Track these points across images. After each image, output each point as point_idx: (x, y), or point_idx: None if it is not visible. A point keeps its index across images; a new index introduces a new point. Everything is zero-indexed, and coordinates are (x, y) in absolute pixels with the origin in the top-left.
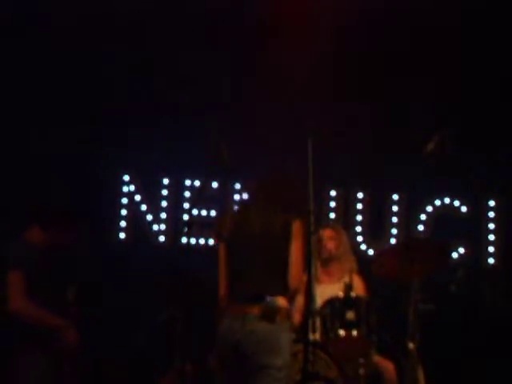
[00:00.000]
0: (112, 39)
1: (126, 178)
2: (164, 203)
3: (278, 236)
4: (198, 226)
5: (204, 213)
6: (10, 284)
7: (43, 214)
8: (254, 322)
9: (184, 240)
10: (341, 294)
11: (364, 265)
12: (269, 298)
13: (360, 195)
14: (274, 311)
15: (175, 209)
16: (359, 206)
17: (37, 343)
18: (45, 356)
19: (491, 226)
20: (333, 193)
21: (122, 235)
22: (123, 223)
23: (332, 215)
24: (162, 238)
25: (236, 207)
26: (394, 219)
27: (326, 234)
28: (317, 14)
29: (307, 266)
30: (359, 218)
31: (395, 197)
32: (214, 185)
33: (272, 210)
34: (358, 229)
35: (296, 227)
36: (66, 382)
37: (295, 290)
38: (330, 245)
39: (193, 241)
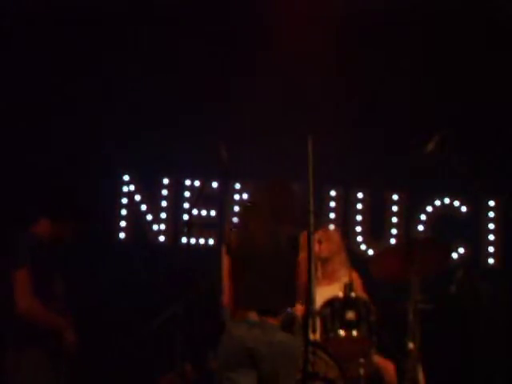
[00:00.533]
0: (112, 39)
1: (126, 177)
2: (164, 203)
3: (284, 249)
4: (198, 226)
5: (204, 213)
6: (18, 282)
7: (55, 206)
8: (274, 332)
9: (184, 240)
10: (341, 294)
11: (364, 265)
12: (289, 310)
13: (360, 195)
14: (293, 322)
15: (175, 209)
16: (359, 205)
17: (36, 342)
18: (44, 356)
19: (491, 226)
20: (333, 193)
21: (122, 235)
22: (123, 223)
23: (332, 215)
24: (161, 238)
25: (240, 219)
26: (394, 219)
27: (317, 236)
28: (316, 15)
29: (307, 266)
30: (359, 217)
31: (395, 197)
32: (214, 185)
33: (278, 224)
34: (358, 229)
35: (304, 239)
36: (64, 381)
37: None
38: (318, 247)
39: (193, 241)
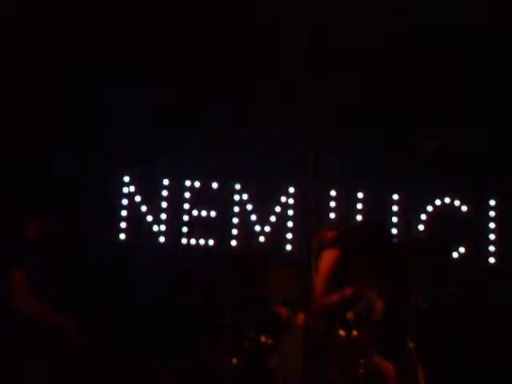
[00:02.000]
0: (113, 41)
1: (126, 178)
2: (164, 204)
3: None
4: (198, 227)
5: (204, 213)
6: (15, 281)
7: (36, 207)
8: None
9: (184, 240)
10: None
11: None
12: None
13: (360, 195)
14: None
15: (175, 210)
16: (359, 205)
17: (38, 342)
18: (45, 355)
19: (491, 225)
20: (333, 193)
21: (122, 236)
22: (123, 224)
23: (332, 215)
24: (162, 239)
25: None
26: (394, 219)
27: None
28: (315, 17)
29: (307, 266)
30: (359, 218)
31: (395, 197)
32: (214, 185)
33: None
34: None
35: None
36: (65, 381)
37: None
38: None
39: (193, 241)
